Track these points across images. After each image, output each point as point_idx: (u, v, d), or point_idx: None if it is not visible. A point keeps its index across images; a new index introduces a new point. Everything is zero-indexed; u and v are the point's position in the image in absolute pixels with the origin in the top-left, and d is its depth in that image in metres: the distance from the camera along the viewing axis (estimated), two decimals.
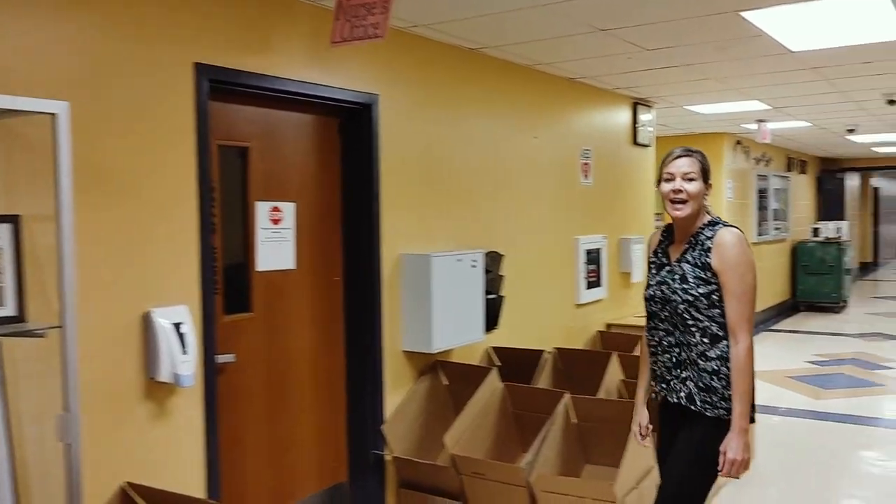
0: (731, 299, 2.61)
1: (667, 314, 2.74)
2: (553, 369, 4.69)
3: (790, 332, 10.88)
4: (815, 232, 12.80)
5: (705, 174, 2.72)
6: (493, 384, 4.11)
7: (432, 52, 4.37)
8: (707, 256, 2.65)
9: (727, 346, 2.63)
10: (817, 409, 6.72)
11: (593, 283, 5.92)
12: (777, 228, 11.92)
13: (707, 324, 2.65)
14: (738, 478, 2.60)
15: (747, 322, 2.60)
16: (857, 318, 12.19)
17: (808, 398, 7.07)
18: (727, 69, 5.45)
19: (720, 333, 2.64)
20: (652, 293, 2.80)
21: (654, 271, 2.85)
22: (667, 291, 2.72)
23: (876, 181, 20.13)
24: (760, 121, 8.22)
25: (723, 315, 2.63)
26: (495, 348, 4.73)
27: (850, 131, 9.04)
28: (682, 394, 2.71)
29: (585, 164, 5.88)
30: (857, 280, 17.13)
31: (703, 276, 2.65)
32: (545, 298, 5.40)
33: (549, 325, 5.43)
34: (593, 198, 6.02)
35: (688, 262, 2.70)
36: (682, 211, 2.68)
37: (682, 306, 2.67)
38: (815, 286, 12.55)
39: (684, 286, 2.67)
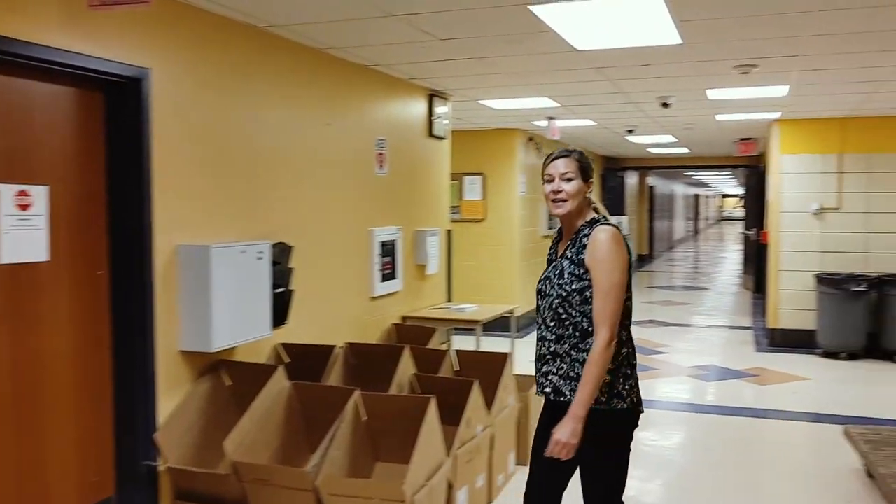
0: (596, 294, 2.66)
1: (545, 308, 2.82)
2: (345, 365, 4.54)
3: None
4: None
5: (584, 172, 2.78)
6: (279, 383, 3.88)
7: (216, 27, 4.04)
8: (582, 253, 2.71)
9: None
10: None
11: (388, 276, 5.83)
12: None
13: (579, 319, 2.72)
14: (560, 458, 2.65)
15: (609, 318, 2.63)
16: (635, 306, 13.09)
17: None
18: (519, 64, 5.55)
19: (590, 329, 2.70)
20: (538, 287, 2.89)
21: (546, 266, 2.92)
22: (547, 286, 2.81)
23: (651, 180, 21.85)
24: (550, 118, 8.54)
25: (592, 311, 2.68)
26: (285, 345, 4.50)
27: (630, 132, 9.66)
28: (548, 388, 2.80)
29: (381, 154, 5.77)
30: (635, 271, 18.51)
31: (577, 272, 2.71)
32: (339, 291, 5.22)
33: (343, 319, 5.27)
34: (389, 189, 5.92)
35: (567, 258, 2.77)
36: (563, 208, 2.76)
37: (556, 301, 2.75)
38: None
39: (560, 282, 2.75)
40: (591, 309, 2.68)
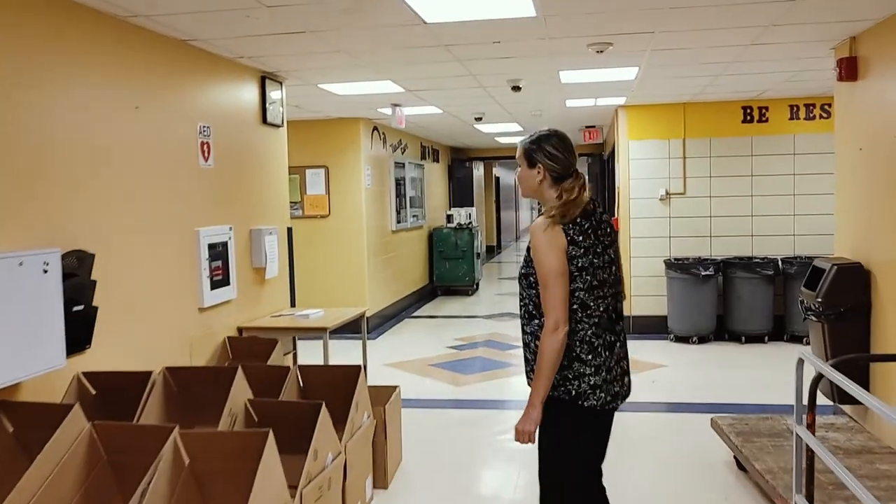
0: (539, 284, 2.72)
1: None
2: (164, 395, 3.80)
3: (430, 317, 11.08)
4: (449, 218, 13.28)
5: (528, 158, 2.82)
6: (76, 424, 3.11)
7: None
8: (530, 242, 2.78)
9: (539, 325, 2.73)
10: (459, 397, 6.66)
11: (220, 283, 5.10)
12: (415, 216, 12.08)
13: (526, 301, 2.83)
14: (524, 443, 2.74)
15: (551, 304, 2.66)
16: (487, 299, 12.89)
17: (449, 385, 7.01)
18: (360, 40, 4.98)
19: (534, 312, 2.79)
20: None
21: None
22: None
23: (497, 170, 21.90)
24: (395, 105, 8.02)
25: (538, 296, 2.73)
26: (88, 374, 3.71)
27: (478, 119, 9.32)
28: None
29: (205, 143, 5.02)
30: (485, 263, 18.42)
31: (527, 258, 2.80)
32: (158, 304, 4.45)
33: (165, 337, 4.51)
34: (217, 183, 5.18)
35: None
36: (521, 193, 2.91)
37: (518, 282, 2.90)
38: (450, 271, 13.03)
39: (520, 265, 2.89)
40: (535, 293, 2.76)
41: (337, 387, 4.13)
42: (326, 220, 9.45)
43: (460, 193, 15.72)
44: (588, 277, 2.69)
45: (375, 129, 10.03)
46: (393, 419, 4.62)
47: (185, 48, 4.82)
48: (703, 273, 8.30)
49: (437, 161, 14.23)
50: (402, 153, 11.44)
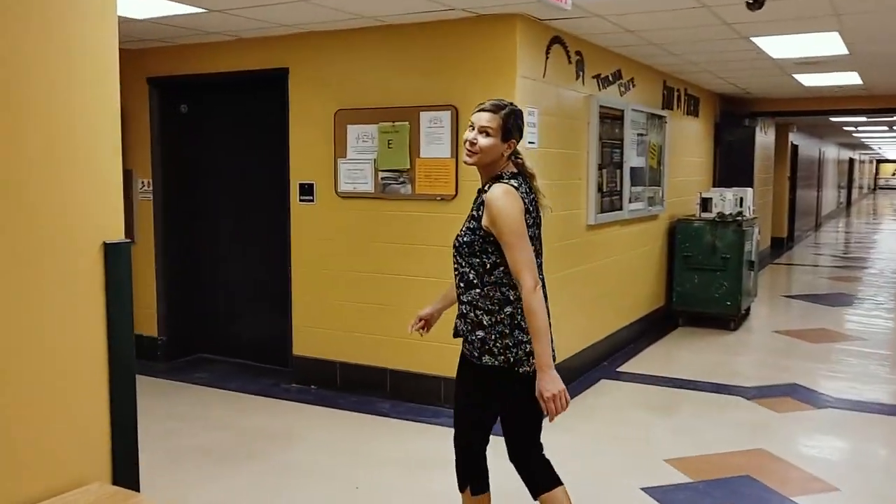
0: (507, 250, 2.73)
1: (453, 256, 2.94)
2: None
3: (649, 379, 6.38)
4: (705, 205, 8.35)
5: (505, 132, 2.81)
6: None
7: None
8: (480, 210, 2.80)
9: (478, 295, 2.81)
10: None
11: None
12: (642, 200, 7.38)
13: (466, 270, 2.85)
14: (563, 410, 2.67)
15: (526, 265, 2.70)
16: (758, 342, 7.86)
17: None
18: None
19: (475, 281, 2.82)
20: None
21: None
22: (458, 234, 2.92)
23: (794, 136, 15.94)
24: None
25: (482, 265, 2.80)
26: None
27: (753, 4, 4.39)
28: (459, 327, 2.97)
29: None
30: (767, 266, 12.95)
31: (472, 226, 2.83)
32: None
33: None
34: None
35: (472, 211, 2.88)
36: (471, 160, 2.84)
37: (454, 251, 2.91)
38: (700, 288, 8.13)
39: (460, 233, 2.89)
40: (478, 262, 2.80)
41: None
42: (450, 203, 5.21)
43: (730, 167, 10.52)
44: (534, 245, 2.79)
45: (557, 41, 5.52)
46: None
47: None
48: None
49: (695, 114, 9.25)
50: (622, 93, 6.77)
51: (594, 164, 6.17)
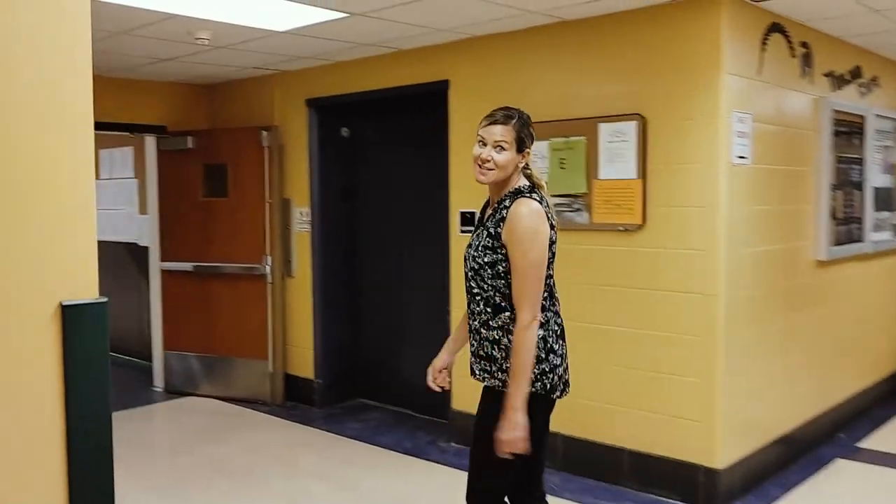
0: (515, 273, 2.60)
1: (466, 277, 2.76)
2: None
3: (885, 459, 4.93)
4: None
5: (520, 143, 2.66)
6: None
7: None
8: (500, 227, 2.63)
9: (510, 318, 2.62)
10: None
11: None
12: (885, 229, 5.89)
13: (491, 293, 2.67)
14: (511, 457, 2.55)
15: (531, 299, 2.57)
16: None
17: None
18: None
19: (503, 304, 2.65)
20: (464, 254, 2.80)
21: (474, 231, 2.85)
22: (469, 254, 2.75)
23: None
24: None
25: (508, 287, 2.62)
26: None
27: None
28: (475, 367, 2.78)
29: None
30: None
31: (492, 245, 2.65)
32: None
33: None
34: None
35: (487, 228, 2.69)
36: (486, 178, 2.67)
37: (470, 273, 2.72)
38: None
39: (475, 253, 2.70)
40: (503, 283, 2.63)
41: None
42: (635, 235, 4.21)
43: None
44: (553, 263, 2.69)
45: (776, 28, 4.36)
46: None
47: None
48: None
49: None
50: (863, 94, 5.41)
51: (826, 185, 4.89)
